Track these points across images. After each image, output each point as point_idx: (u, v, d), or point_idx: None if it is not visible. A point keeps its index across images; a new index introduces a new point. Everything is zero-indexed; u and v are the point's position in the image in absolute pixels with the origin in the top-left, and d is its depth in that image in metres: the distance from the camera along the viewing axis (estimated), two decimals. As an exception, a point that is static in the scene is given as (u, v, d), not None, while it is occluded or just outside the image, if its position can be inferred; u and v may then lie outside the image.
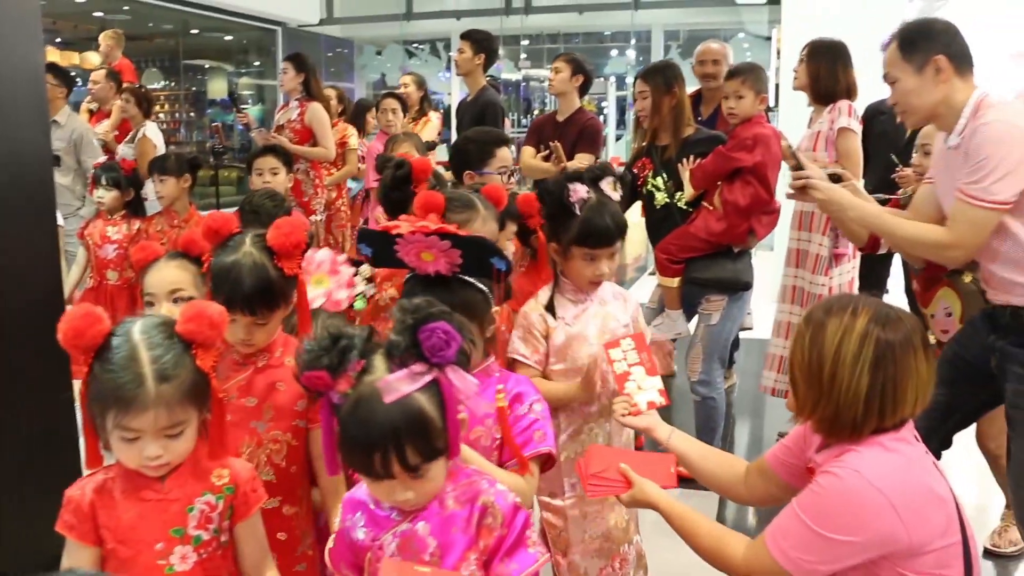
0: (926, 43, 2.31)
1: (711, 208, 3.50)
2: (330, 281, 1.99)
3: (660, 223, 3.73)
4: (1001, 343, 2.29)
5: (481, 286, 1.75)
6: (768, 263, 6.24)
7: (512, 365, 2.25)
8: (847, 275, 3.85)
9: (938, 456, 2.53)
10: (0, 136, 2.34)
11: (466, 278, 1.74)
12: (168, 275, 2.07)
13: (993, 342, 2.33)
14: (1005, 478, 2.80)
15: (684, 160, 3.60)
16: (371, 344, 1.33)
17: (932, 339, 2.95)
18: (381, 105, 5.72)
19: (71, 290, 4.11)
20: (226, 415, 1.51)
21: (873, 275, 4.42)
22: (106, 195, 3.93)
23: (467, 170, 3.01)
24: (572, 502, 2.28)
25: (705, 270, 3.57)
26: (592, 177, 2.30)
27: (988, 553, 3.08)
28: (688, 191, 3.59)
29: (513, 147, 4.25)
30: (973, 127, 2.20)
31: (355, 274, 2.02)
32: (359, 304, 2.28)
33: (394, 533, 1.38)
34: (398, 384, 1.28)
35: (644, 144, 3.82)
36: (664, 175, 3.63)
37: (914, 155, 2.87)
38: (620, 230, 2.28)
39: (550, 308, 2.29)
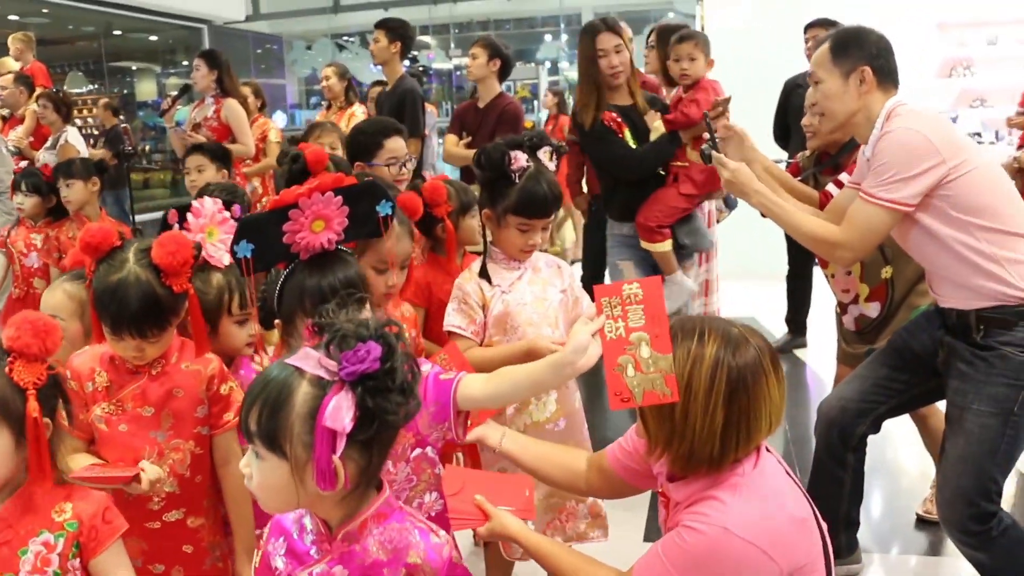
0: (857, 51, 2.32)
1: (685, 165, 3.44)
2: (219, 231, 1.90)
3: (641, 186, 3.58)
4: (949, 339, 2.32)
5: (359, 267, 1.73)
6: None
7: (450, 337, 2.19)
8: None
9: (865, 438, 2.56)
10: None
11: (347, 257, 1.72)
12: (50, 300, 2.00)
13: (941, 337, 2.36)
14: (933, 439, 2.84)
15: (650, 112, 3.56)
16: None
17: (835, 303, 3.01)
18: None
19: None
20: (44, 435, 1.36)
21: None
22: (26, 201, 3.81)
23: (357, 161, 2.94)
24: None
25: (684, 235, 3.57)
26: (531, 146, 2.25)
27: (920, 520, 3.11)
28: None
29: (434, 136, 4.19)
30: (880, 134, 2.23)
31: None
32: None
33: (310, 572, 1.27)
34: (305, 357, 1.19)
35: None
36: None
37: (805, 117, 2.89)
38: (556, 201, 2.25)
39: (484, 276, 2.25)
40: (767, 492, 1.50)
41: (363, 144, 2.97)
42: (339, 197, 1.68)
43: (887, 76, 2.31)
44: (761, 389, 1.47)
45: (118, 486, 1.66)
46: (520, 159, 2.20)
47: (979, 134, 9.25)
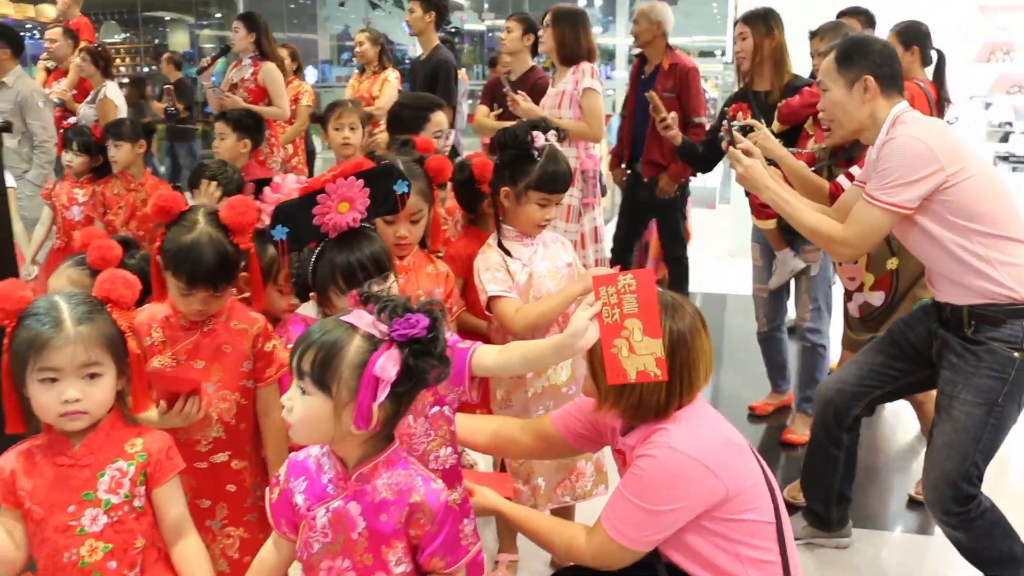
0: (861, 60, 2.42)
1: (801, 152, 3.57)
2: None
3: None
4: (943, 332, 2.46)
5: (383, 242, 1.90)
6: (723, 217, 6.37)
7: (491, 305, 2.35)
8: (593, 222, 4.25)
9: (859, 419, 2.72)
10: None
11: (371, 233, 1.89)
12: (55, 283, 2.13)
13: (936, 329, 2.50)
14: (928, 424, 2.98)
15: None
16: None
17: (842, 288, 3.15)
18: None
19: (36, 249, 4.17)
20: (144, 370, 1.60)
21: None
22: (75, 159, 3.96)
23: (403, 134, 3.08)
24: None
25: None
26: (543, 129, 2.40)
27: (912, 501, 3.26)
28: (776, 124, 3.65)
29: (469, 103, 4.32)
30: (884, 140, 2.36)
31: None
32: None
33: (327, 507, 1.46)
34: (359, 317, 1.40)
35: (740, 89, 3.91)
36: (763, 120, 3.56)
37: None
38: (571, 178, 2.44)
39: (503, 250, 2.41)
40: (704, 421, 1.77)
41: (408, 117, 3.14)
42: (360, 180, 1.85)
43: (891, 83, 2.41)
44: (698, 345, 1.73)
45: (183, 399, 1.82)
46: (540, 138, 2.36)
47: (1010, 123, 9.19)
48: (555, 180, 2.38)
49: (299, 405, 1.41)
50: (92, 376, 1.50)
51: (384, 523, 1.44)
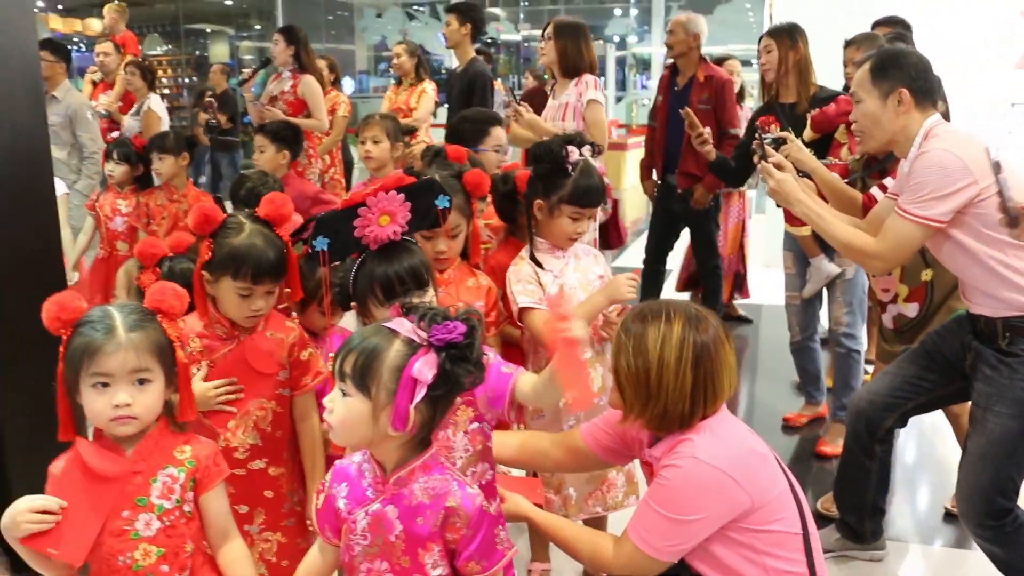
0: (896, 72, 2.41)
1: (835, 162, 3.58)
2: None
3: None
4: (976, 344, 2.44)
5: (423, 255, 1.95)
6: (757, 227, 6.36)
7: (521, 316, 2.38)
8: (593, 233, 4.13)
9: (892, 431, 2.70)
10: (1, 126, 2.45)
11: (411, 247, 1.93)
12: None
13: (970, 341, 2.48)
14: (964, 436, 2.96)
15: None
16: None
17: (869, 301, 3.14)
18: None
19: (78, 256, 4.26)
20: (191, 379, 1.67)
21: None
22: (116, 169, 4.07)
23: (464, 147, 3.12)
24: None
25: None
26: (577, 144, 2.44)
27: (949, 514, 3.21)
28: (808, 132, 3.68)
29: (500, 112, 4.38)
30: (916, 154, 2.35)
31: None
32: None
33: (367, 511, 1.50)
34: (400, 323, 1.45)
35: (767, 102, 3.95)
36: (792, 132, 3.57)
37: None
38: (604, 192, 2.49)
39: (535, 261, 2.44)
40: (729, 431, 1.79)
41: (469, 131, 3.22)
42: (402, 195, 1.90)
43: (925, 96, 2.40)
44: (721, 356, 1.76)
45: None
46: (575, 153, 2.39)
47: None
48: (588, 194, 2.40)
49: (339, 407, 1.46)
50: (142, 382, 1.55)
51: (420, 526, 1.48)
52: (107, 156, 4.12)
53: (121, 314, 1.56)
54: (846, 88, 3.99)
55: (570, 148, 2.39)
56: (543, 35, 4.38)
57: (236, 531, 1.70)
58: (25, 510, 1.50)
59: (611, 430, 2.03)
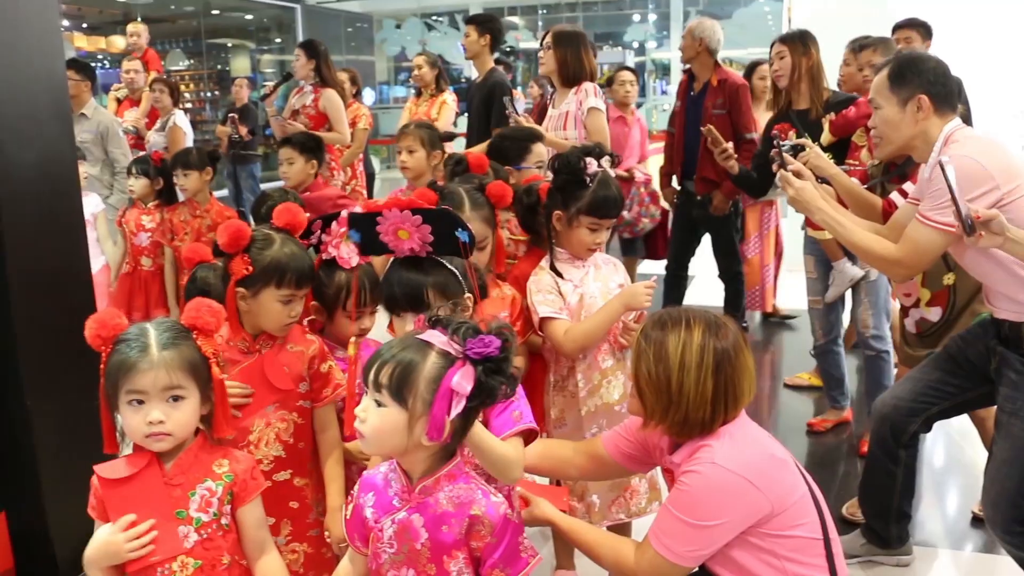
0: (915, 79, 2.40)
1: (854, 167, 3.58)
2: (352, 236, 2.14)
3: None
4: (1001, 349, 2.43)
5: (454, 269, 1.94)
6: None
7: (542, 326, 2.40)
8: None
9: (917, 436, 2.68)
10: (25, 141, 2.49)
11: (441, 260, 1.94)
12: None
13: (995, 346, 2.46)
14: (990, 441, 2.94)
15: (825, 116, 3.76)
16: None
17: (896, 304, 3.11)
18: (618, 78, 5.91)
19: (117, 269, 4.35)
20: (226, 395, 1.69)
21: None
22: (136, 183, 4.16)
23: (506, 166, 3.15)
24: None
25: None
26: (596, 155, 2.45)
27: (976, 519, 3.19)
28: (826, 136, 3.69)
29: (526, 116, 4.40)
30: (936, 160, 2.32)
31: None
32: None
33: (393, 519, 1.53)
34: (434, 336, 1.48)
35: (781, 109, 3.97)
36: (808, 138, 3.61)
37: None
38: (623, 203, 2.50)
39: (555, 272, 2.46)
40: (748, 437, 1.80)
41: (510, 149, 3.22)
42: (417, 216, 1.90)
43: (944, 102, 2.39)
44: (742, 361, 1.77)
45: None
46: (593, 164, 2.40)
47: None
48: (606, 205, 2.42)
49: (373, 416, 1.48)
50: (176, 399, 1.58)
51: (445, 534, 1.50)
52: (128, 172, 4.19)
53: (156, 331, 1.59)
54: (839, 86, 4.01)
55: (588, 160, 2.41)
56: (542, 44, 4.39)
57: (272, 544, 1.73)
58: (118, 536, 1.55)
59: (632, 437, 2.04)
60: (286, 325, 2.02)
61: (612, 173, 2.48)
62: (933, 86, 2.39)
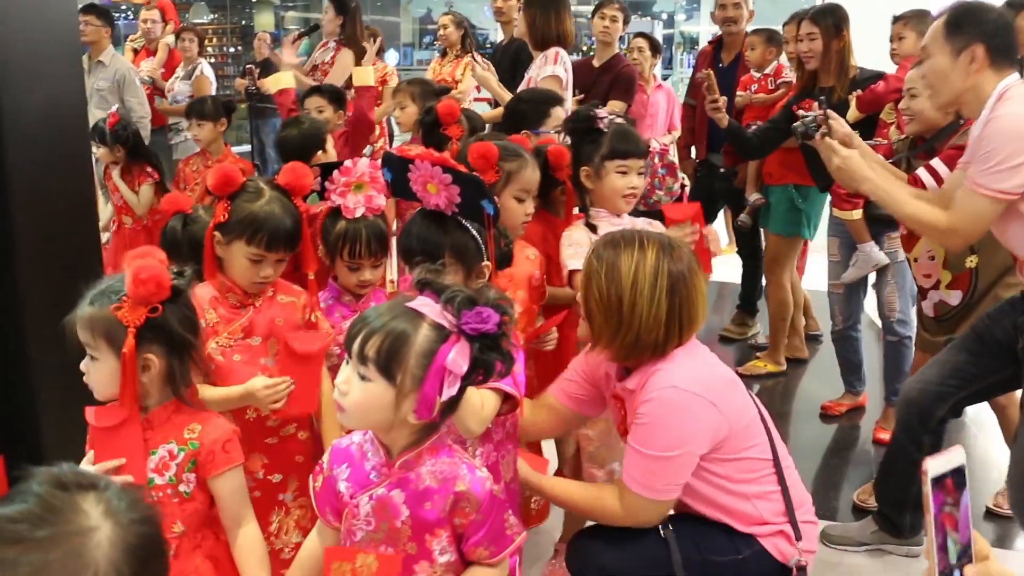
0: (972, 29, 2.25)
1: (879, 143, 3.47)
2: (369, 187, 2.10)
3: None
4: None
5: (475, 234, 1.88)
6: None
7: (571, 279, 2.33)
8: None
9: (944, 422, 2.58)
10: (34, 81, 2.43)
11: (464, 222, 1.88)
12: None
13: (1022, 324, 2.36)
14: (1011, 431, 2.85)
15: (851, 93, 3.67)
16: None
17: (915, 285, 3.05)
18: None
19: (107, 221, 4.24)
20: (133, 369, 1.52)
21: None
22: (98, 151, 3.94)
23: (524, 129, 3.03)
24: (603, 427, 2.34)
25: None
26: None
27: (989, 513, 3.11)
28: (853, 113, 3.59)
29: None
30: (988, 118, 2.19)
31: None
32: None
33: (371, 495, 1.43)
34: (426, 305, 1.37)
35: (805, 87, 3.84)
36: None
37: (903, 100, 2.92)
38: (646, 144, 2.46)
39: (591, 228, 2.39)
40: (699, 359, 1.79)
41: (528, 112, 3.10)
42: (448, 175, 1.83)
43: (1003, 55, 2.24)
44: (696, 284, 1.74)
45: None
46: (603, 111, 2.40)
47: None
48: (626, 142, 2.38)
49: (356, 390, 1.37)
50: (92, 358, 1.56)
51: (428, 511, 1.41)
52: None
53: (94, 289, 1.56)
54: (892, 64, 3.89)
55: (596, 111, 2.41)
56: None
57: (251, 518, 1.66)
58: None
59: (577, 378, 2.00)
60: (255, 284, 1.94)
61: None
62: (992, 38, 2.23)
